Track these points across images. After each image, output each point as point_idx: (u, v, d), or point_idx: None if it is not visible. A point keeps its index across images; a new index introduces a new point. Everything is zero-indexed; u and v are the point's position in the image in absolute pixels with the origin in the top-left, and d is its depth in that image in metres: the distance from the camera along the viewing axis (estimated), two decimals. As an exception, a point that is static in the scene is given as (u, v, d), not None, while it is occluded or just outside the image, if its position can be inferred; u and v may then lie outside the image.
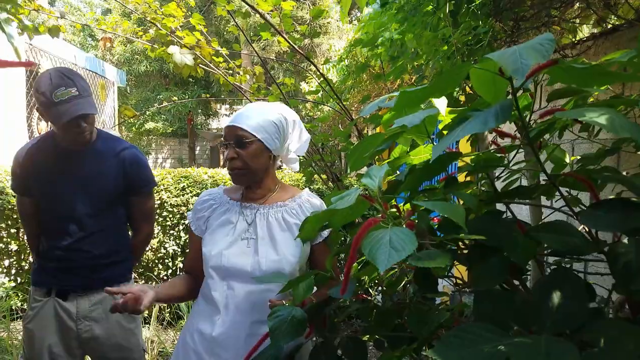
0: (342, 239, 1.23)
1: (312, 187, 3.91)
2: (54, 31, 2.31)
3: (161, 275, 3.73)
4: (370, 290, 1.05)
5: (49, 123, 1.63)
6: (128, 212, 1.83)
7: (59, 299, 1.70)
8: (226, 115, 17.22)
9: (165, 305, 3.67)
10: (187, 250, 1.48)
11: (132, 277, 1.89)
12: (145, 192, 1.83)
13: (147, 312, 3.61)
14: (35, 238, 1.78)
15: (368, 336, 1.13)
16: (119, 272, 1.79)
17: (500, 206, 0.87)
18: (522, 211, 2.34)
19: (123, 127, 14.15)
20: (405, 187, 0.73)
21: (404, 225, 0.62)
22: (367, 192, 0.74)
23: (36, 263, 1.76)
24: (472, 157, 0.84)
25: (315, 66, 1.85)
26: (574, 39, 2.25)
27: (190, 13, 2.19)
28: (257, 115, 1.30)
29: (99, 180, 1.70)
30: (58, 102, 1.52)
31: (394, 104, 0.80)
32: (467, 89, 1.84)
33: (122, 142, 1.82)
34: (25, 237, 1.78)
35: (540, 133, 0.73)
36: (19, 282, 3.59)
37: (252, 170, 1.31)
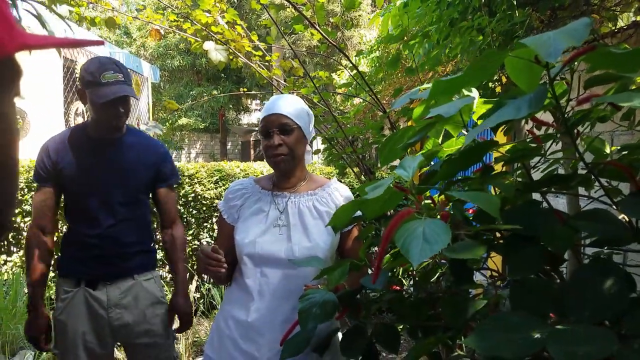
0: (373, 232, 1.25)
1: (343, 180, 3.92)
2: (109, 23, 2.40)
3: (195, 267, 3.83)
4: (404, 282, 1.06)
5: (87, 105, 1.71)
6: (157, 209, 1.89)
7: (89, 288, 1.75)
8: (257, 110, 17.40)
9: (199, 295, 3.76)
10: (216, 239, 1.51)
11: (157, 265, 1.95)
12: (170, 184, 1.88)
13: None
14: (52, 232, 1.83)
15: (401, 326, 1.14)
16: (146, 261, 1.86)
17: (537, 199, 0.86)
18: (558, 204, 2.28)
19: (157, 122, 14.47)
20: (440, 176, 0.73)
21: (438, 217, 0.63)
22: (400, 183, 0.74)
23: (63, 254, 1.82)
24: (509, 147, 0.83)
25: (347, 57, 1.86)
26: (614, 28, 2.16)
27: (225, 9, 2.23)
28: (293, 104, 1.35)
29: (129, 169, 1.76)
30: (105, 83, 1.61)
31: (426, 95, 0.80)
32: (504, 79, 1.81)
33: (150, 137, 1.92)
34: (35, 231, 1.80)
35: (578, 121, 0.71)
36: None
37: (296, 156, 1.35)
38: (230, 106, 16.01)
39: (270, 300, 1.29)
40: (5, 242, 3.65)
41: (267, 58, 2.31)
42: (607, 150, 0.91)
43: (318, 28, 1.79)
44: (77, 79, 1.77)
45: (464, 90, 0.81)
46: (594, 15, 2.04)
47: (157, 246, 3.66)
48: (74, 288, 1.76)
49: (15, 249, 3.67)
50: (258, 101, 16.54)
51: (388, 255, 1.07)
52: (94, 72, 1.62)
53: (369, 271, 1.16)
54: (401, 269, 1.01)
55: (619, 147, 0.88)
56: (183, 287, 1.88)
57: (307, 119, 1.36)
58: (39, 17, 1.98)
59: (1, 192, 0.37)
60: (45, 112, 5.11)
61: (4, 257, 3.60)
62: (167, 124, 15.35)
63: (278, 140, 1.31)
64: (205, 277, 3.86)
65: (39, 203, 1.77)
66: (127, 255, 1.77)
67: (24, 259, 3.64)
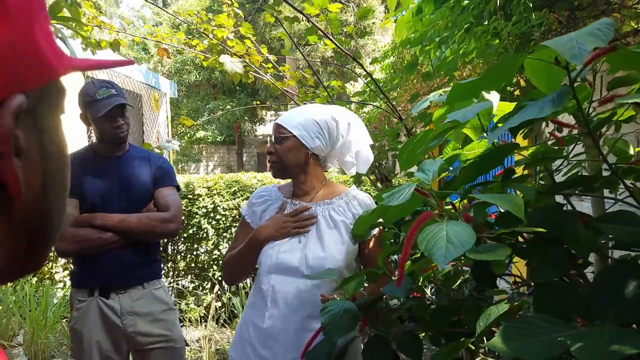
0: (392, 239, 1.24)
1: (360, 188, 3.91)
2: (115, 45, 2.47)
3: (216, 276, 3.86)
4: (425, 290, 1.04)
5: (92, 126, 1.83)
6: (157, 207, 1.87)
7: (102, 297, 1.81)
8: (272, 120, 17.52)
9: (220, 304, 3.79)
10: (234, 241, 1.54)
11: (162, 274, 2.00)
12: (167, 185, 1.91)
13: (204, 311, 3.74)
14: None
15: (423, 333, 1.13)
16: (153, 270, 1.92)
17: (560, 201, 0.85)
18: (583, 208, 2.23)
19: (176, 137, 14.73)
20: (460, 181, 0.73)
21: (461, 219, 0.63)
22: (420, 187, 0.74)
23: (76, 267, 1.88)
24: (530, 149, 0.82)
25: (361, 65, 1.87)
26: (636, 26, 2.12)
27: (239, 23, 2.28)
28: (299, 114, 1.38)
29: (135, 182, 1.85)
30: (100, 99, 1.76)
31: (445, 98, 0.80)
32: (522, 82, 1.79)
33: (149, 151, 2.03)
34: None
35: (601, 123, 0.71)
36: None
37: (284, 164, 1.38)
38: (246, 118, 16.19)
39: (283, 307, 1.31)
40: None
41: (281, 68, 2.34)
42: (632, 152, 0.89)
43: (332, 38, 1.80)
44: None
45: (484, 93, 0.81)
46: (615, 14, 2.01)
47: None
48: (88, 297, 1.82)
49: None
50: (273, 112, 16.68)
51: (409, 262, 1.07)
52: (90, 93, 1.78)
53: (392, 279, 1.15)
54: (422, 276, 1.01)
55: (643, 147, 0.86)
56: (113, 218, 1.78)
57: (313, 128, 1.35)
58: (65, 41, 2.06)
59: (61, 208, 0.39)
60: (69, 129, 5.24)
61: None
62: (185, 137, 15.59)
63: (270, 148, 1.39)
64: (226, 285, 3.89)
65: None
66: (135, 266, 1.84)
67: (52, 270, 3.73)
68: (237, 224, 1.58)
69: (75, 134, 5.24)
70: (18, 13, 0.31)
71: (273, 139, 1.40)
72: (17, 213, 0.34)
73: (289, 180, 1.48)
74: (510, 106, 0.79)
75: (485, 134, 0.87)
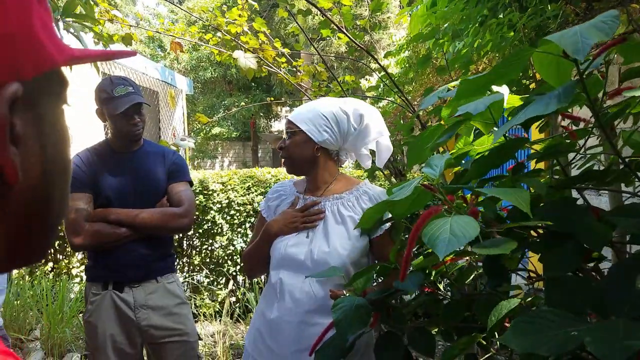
0: (405, 235, 1.23)
1: (374, 183, 3.90)
2: (127, 40, 2.49)
3: (230, 271, 3.89)
4: (438, 285, 1.04)
5: (107, 122, 1.85)
6: (170, 202, 1.90)
7: (116, 290, 1.84)
8: (287, 116, 17.54)
9: (235, 299, 3.83)
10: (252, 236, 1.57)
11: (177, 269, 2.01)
12: (180, 180, 1.93)
13: (218, 306, 3.79)
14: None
15: (436, 329, 1.12)
16: (167, 265, 1.94)
17: (576, 196, 0.83)
18: (601, 203, 2.19)
19: (192, 133, 14.86)
20: (470, 175, 0.73)
21: (467, 213, 0.62)
22: (429, 182, 0.74)
23: (91, 261, 1.91)
24: (542, 143, 0.81)
25: (375, 59, 1.86)
26: (656, 16, 2.07)
27: (253, 17, 2.28)
28: (308, 108, 1.39)
29: (149, 176, 1.87)
30: (118, 96, 1.78)
31: (455, 93, 0.80)
32: (538, 76, 1.76)
33: (163, 146, 2.05)
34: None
35: (614, 116, 0.69)
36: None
37: (293, 158, 1.39)
38: (261, 114, 16.26)
39: (288, 301, 1.32)
40: (52, 250, 3.83)
41: (295, 64, 2.35)
42: (648, 144, 0.87)
43: (345, 31, 1.80)
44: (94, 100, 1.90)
45: (493, 87, 0.80)
46: (634, 4, 1.96)
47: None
48: (102, 291, 1.85)
49: (61, 257, 3.84)
50: (288, 108, 16.71)
51: (421, 257, 1.06)
52: (107, 89, 1.79)
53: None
54: (435, 272, 1.00)
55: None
56: (127, 212, 1.81)
57: (320, 122, 1.35)
58: (78, 37, 2.09)
59: (62, 199, 0.39)
60: (87, 124, 5.34)
61: (50, 264, 3.77)
62: (201, 134, 15.73)
63: (281, 144, 1.41)
64: (241, 280, 3.93)
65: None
66: (149, 260, 1.86)
67: (69, 266, 3.81)
68: (252, 219, 1.61)
69: (94, 128, 5.33)
70: (14, 3, 0.32)
71: (284, 134, 1.42)
72: (14, 202, 0.34)
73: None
74: (518, 100, 0.78)
75: (496, 129, 0.86)
